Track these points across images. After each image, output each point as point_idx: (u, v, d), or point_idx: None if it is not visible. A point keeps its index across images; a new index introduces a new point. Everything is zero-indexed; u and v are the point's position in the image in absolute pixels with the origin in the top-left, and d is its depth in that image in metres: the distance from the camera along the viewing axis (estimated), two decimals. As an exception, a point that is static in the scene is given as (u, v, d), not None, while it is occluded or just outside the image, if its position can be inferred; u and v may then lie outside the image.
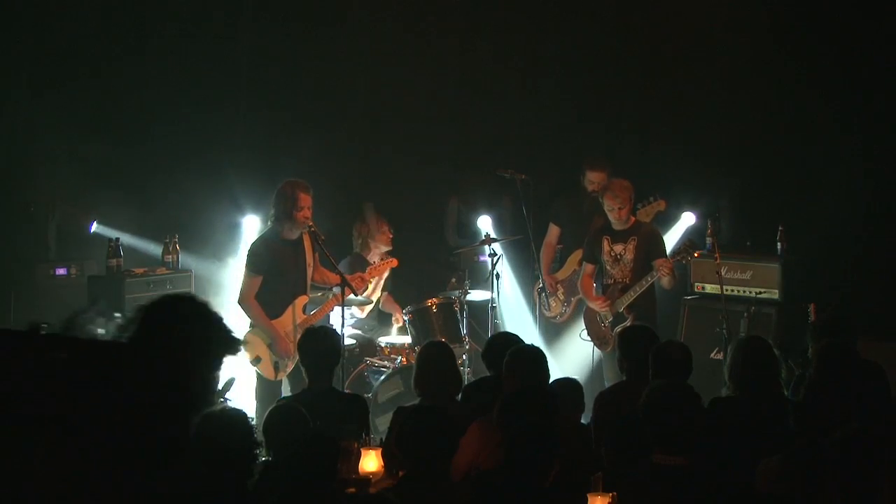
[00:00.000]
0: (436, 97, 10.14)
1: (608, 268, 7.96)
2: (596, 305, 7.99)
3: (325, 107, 9.84)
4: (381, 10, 10.02)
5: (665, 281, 7.79)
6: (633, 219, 7.93)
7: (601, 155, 8.87)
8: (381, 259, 8.57)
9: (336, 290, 7.48)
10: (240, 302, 7.38)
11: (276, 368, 7.33)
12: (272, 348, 7.31)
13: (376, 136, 10.09)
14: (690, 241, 7.82)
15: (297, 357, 7.26)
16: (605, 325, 7.97)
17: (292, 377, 7.37)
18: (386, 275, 8.60)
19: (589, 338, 8.14)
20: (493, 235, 8.85)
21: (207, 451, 4.26)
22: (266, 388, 7.36)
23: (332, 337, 6.06)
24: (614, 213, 7.82)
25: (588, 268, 8.12)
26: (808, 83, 9.23)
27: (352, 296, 7.65)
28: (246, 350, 7.31)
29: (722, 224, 8.66)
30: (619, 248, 7.91)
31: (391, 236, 8.70)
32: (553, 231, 8.98)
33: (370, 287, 8.32)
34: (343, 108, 9.94)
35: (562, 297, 8.78)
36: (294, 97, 9.74)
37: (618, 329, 7.36)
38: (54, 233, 8.79)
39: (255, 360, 7.30)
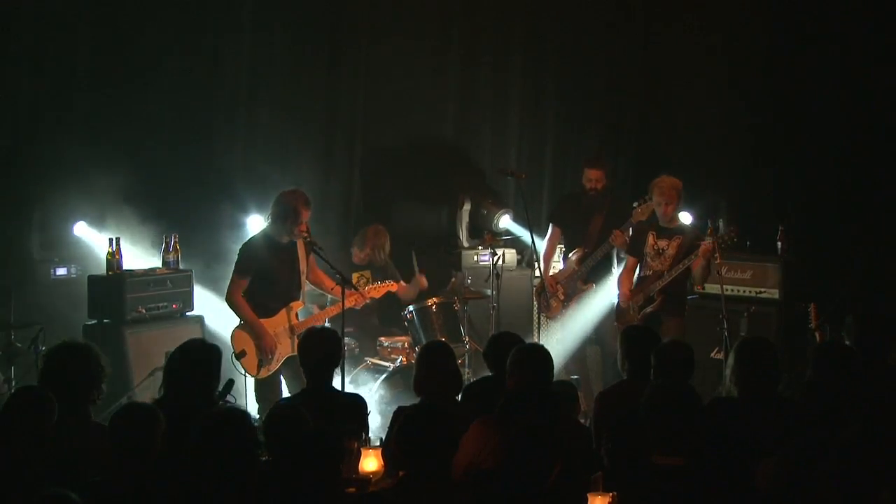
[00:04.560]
0: (437, 95, 10.15)
1: (648, 260, 8.11)
2: (621, 293, 8.12)
3: (328, 106, 9.84)
4: (381, 11, 10.03)
5: (698, 275, 7.84)
6: (677, 220, 8.11)
7: (600, 153, 8.89)
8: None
9: (334, 298, 7.56)
10: (226, 300, 7.48)
11: (260, 365, 7.36)
12: (258, 345, 7.34)
13: (379, 135, 10.09)
14: (735, 228, 7.83)
15: (284, 358, 7.36)
16: (632, 311, 8.06)
17: (291, 377, 7.38)
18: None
19: (618, 324, 8.20)
20: (510, 233, 8.90)
21: (208, 450, 4.26)
22: (264, 388, 7.38)
23: (332, 338, 6.06)
24: (661, 208, 8.02)
25: (631, 261, 8.26)
26: (809, 83, 9.25)
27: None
28: (232, 343, 7.35)
29: (720, 224, 8.68)
30: (663, 243, 8.09)
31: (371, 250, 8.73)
32: (554, 231, 9.00)
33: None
34: (346, 107, 9.94)
35: (562, 298, 8.78)
36: (296, 97, 9.73)
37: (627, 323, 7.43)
38: (38, 233, 8.76)
39: (241, 354, 7.33)
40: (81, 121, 8.90)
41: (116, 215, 8.69)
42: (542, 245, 8.91)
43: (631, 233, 8.33)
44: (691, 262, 7.86)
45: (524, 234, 9.20)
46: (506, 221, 9.50)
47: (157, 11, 9.04)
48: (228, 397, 5.57)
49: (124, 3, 9.03)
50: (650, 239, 8.12)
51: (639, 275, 8.17)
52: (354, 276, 8.46)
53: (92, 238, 8.67)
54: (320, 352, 5.88)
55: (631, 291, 8.09)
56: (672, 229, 8.08)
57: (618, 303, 8.34)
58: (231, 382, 5.70)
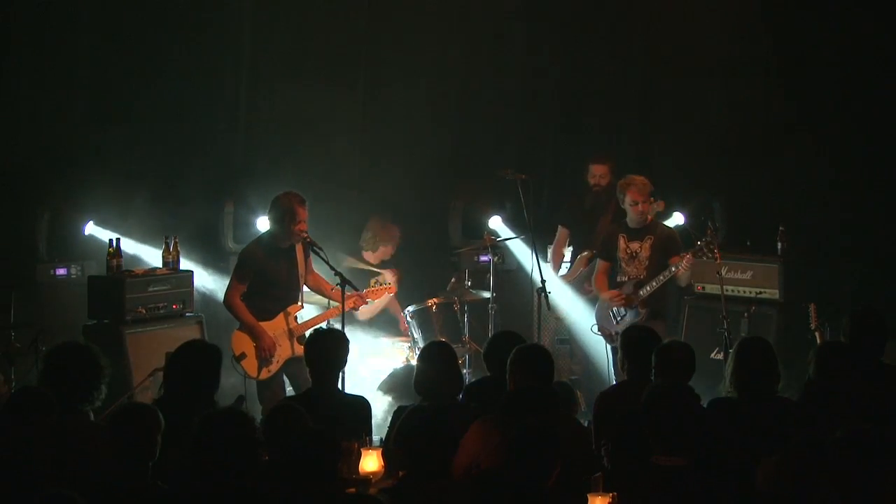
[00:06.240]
0: (437, 97, 10.14)
1: (623, 265, 8.00)
2: (609, 297, 7.99)
3: (328, 107, 9.84)
4: (381, 11, 10.03)
5: (683, 278, 7.82)
6: (649, 217, 7.99)
7: (607, 152, 8.84)
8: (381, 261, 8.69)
9: (333, 303, 7.58)
10: (224, 303, 7.56)
11: (261, 367, 7.37)
12: (257, 347, 7.36)
13: (378, 135, 10.09)
14: (711, 239, 7.73)
15: (284, 361, 7.36)
16: (617, 320, 7.97)
17: (293, 379, 7.39)
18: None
19: (599, 332, 8.16)
20: (500, 235, 8.90)
21: (208, 451, 4.26)
22: (265, 390, 7.39)
23: (340, 340, 6.05)
24: (637, 207, 7.87)
25: (602, 265, 8.15)
26: (808, 83, 9.24)
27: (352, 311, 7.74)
28: (232, 345, 7.37)
29: (717, 224, 8.66)
30: (635, 245, 7.96)
31: (393, 249, 8.74)
32: (562, 233, 9.00)
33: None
34: (346, 108, 9.94)
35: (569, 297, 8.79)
36: (297, 98, 9.74)
37: (621, 328, 7.37)
38: (44, 233, 8.77)
39: (241, 356, 7.37)
40: (86, 122, 8.93)
41: (125, 216, 8.73)
42: (548, 247, 8.95)
43: (601, 238, 8.23)
44: (672, 274, 7.78)
45: (513, 235, 9.17)
46: (496, 222, 9.47)
47: (158, 12, 9.07)
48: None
49: (126, 5, 9.06)
50: (621, 242, 7.99)
51: (616, 280, 8.03)
52: (371, 281, 8.42)
53: (103, 238, 8.67)
54: (326, 353, 5.87)
55: (616, 293, 7.93)
56: (642, 229, 7.96)
57: (598, 312, 8.19)
58: (241, 399, 5.70)
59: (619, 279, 8.03)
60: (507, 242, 9.25)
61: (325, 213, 8.51)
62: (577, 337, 8.84)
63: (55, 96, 8.90)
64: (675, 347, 5.75)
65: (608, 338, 8.05)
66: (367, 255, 8.85)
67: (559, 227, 9.02)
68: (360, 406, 5.85)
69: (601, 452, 5.14)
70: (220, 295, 7.93)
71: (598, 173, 8.66)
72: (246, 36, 9.55)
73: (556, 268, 9.02)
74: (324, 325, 7.69)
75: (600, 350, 8.33)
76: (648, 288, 7.82)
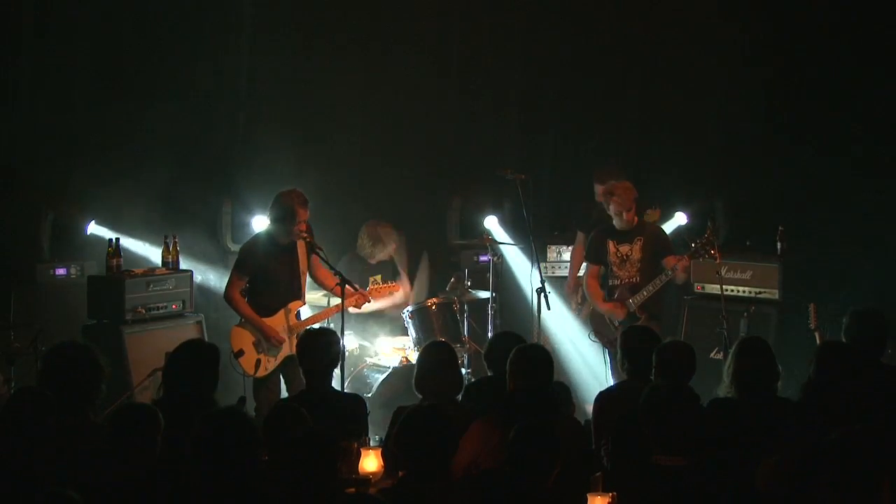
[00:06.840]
0: (436, 97, 10.15)
1: (615, 269, 7.93)
2: (607, 310, 7.94)
3: (328, 105, 9.85)
4: (380, 11, 10.03)
5: (680, 277, 7.80)
6: (636, 219, 7.94)
7: (610, 167, 8.76)
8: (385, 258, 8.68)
9: (335, 300, 7.57)
10: (225, 297, 7.57)
11: (258, 365, 7.37)
12: (258, 344, 7.37)
13: (377, 136, 10.10)
14: (708, 238, 7.68)
15: (284, 357, 7.37)
16: (615, 326, 7.92)
17: (291, 377, 7.38)
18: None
19: (597, 339, 8.13)
20: (495, 234, 8.89)
21: (208, 451, 4.26)
22: (262, 388, 7.39)
23: (331, 339, 6.05)
24: (621, 216, 7.82)
25: (593, 269, 8.07)
26: (808, 83, 9.25)
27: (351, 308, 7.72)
28: (231, 341, 7.37)
29: (718, 224, 8.64)
30: (625, 248, 7.91)
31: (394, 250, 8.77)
32: (580, 237, 9.01)
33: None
34: (345, 108, 9.94)
35: (579, 300, 8.80)
36: (296, 97, 9.75)
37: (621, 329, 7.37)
38: (48, 233, 8.79)
39: (238, 353, 7.36)
40: (89, 122, 8.96)
41: (125, 215, 8.74)
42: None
43: (589, 241, 8.17)
44: (669, 277, 7.74)
45: (512, 242, 9.16)
46: (492, 222, 9.45)
47: (159, 14, 9.09)
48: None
49: (127, 7, 9.08)
50: (611, 247, 7.93)
51: (609, 285, 7.98)
52: (370, 279, 8.41)
53: (105, 237, 8.69)
54: (318, 352, 5.87)
55: (615, 305, 7.86)
56: (630, 231, 7.90)
57: (593, 319, 8.16)
58: (243, 399, 5.70)
59: (610, 283, 7.97)
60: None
61: (324, 213, 8.51)
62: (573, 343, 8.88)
63: (57, 96, 8.91)
64: (675, 347, 5.74)
65: (608, 344, 8.00)
66: (368, 253, 8.83)
67: (578, 232, 9.00)
68: (356, 405, 5.86)
69: (601, 452, 5.15)
70: (219, 292, 7.94)
71: (600, 192, 8.66)
72: (246, 34, 9.57)
73: (576, 271, 8.97)
74: (322, 323, 7.71)
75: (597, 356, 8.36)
76: (645, 293, 7.78)
